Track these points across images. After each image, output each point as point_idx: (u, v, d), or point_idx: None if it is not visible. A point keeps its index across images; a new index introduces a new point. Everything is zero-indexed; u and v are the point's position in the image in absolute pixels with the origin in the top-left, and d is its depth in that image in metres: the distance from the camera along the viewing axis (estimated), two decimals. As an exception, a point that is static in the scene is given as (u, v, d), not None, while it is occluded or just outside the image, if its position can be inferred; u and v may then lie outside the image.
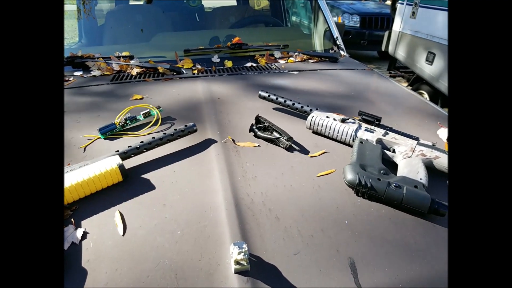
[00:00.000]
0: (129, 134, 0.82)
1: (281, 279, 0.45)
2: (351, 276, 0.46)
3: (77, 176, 0.58)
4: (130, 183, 0.63)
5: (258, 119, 0.81)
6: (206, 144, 0.76)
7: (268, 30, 1.94)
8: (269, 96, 0.92)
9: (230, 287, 0.43)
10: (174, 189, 0.62)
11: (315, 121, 0.79)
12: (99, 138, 0.80)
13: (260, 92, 0.94)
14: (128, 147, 0.68)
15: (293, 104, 0.88)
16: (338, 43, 1.63)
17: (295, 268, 0.47)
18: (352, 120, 0.78)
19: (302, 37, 1.91)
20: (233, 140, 0.77)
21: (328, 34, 1.70)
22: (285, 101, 0.89)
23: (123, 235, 0.52)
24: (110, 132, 0.81)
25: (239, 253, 0.42)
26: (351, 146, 0.75)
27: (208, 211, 0.56)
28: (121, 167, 0.62)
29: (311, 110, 0.85)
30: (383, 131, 0.74)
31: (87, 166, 0.62)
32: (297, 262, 0.47)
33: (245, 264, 0.45)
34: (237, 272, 0.45)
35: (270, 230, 0.53)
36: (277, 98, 0.90)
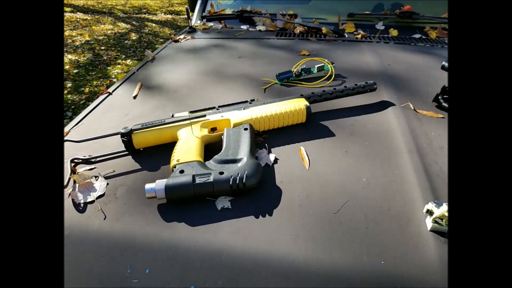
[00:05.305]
0: (302, 84, 0.86)
1: (483, 255, 0.41)
2: None
3: (270, 109, 0.66)
4: (312, 126, 0.67)
5: (445, 90, 0.72)
6: (383, 105, 0.73)
7: (439, 2, 1.68)
8: (459, 67, 0.81)
9: (426, 243, 0.42)
10: (354, 140, 0.63)
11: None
12: (276, 83, 0.87)
13: (444, 63, 0.84)
14: (312, 93, 0.72)
15: (493, 80, 0.75)
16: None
17: (499, 250, 0.42)
18: None
19: None
20: (413, 108, 0.72)
21: None
22: (481, 75, 0.77)
23: (308, 168, 0.57)
24: (286, 80, 0.87)
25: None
26: None
27: (393, 168, 0.55)
28: (308, 109, 0.66)
29: (518, 90, 0.70)
30: None
31: (277, 102, 0.69)
32: (503, 244, 0.42)
33: (444, 225, 0.43)
34: (433, 230, 0.44)
35: (466, 204, 0.48)
36: (470, 71, 0.78)
